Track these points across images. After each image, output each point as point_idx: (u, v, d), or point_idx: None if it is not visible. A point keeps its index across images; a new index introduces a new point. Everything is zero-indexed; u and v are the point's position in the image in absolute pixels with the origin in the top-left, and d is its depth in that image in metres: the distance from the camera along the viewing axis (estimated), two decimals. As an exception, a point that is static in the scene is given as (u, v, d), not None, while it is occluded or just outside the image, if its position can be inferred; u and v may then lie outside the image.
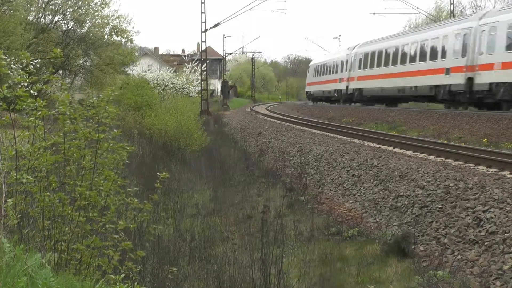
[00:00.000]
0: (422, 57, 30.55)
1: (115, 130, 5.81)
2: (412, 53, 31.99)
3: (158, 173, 6.00)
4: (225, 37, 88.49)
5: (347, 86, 41.79)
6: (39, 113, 5.34)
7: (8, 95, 5.07)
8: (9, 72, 5.56)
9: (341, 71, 43.29)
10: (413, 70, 31.14)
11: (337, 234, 11.20)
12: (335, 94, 44.90)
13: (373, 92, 37.50)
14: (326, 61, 49.65)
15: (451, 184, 11.13)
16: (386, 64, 35.01)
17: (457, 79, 26.35)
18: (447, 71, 27.36)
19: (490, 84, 24.00)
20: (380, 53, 36.27)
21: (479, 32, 25.00)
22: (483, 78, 24.45)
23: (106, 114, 5.59)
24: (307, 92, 58.01)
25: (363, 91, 39.01)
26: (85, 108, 5.67)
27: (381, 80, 35.45)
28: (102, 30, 28.65)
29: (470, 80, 25.39)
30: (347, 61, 42.30)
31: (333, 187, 15.32)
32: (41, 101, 5.35)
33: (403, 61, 32.85)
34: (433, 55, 29.35)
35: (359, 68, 39.65)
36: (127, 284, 4.56)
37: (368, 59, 38.16)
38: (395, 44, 34.52)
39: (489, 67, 23.98)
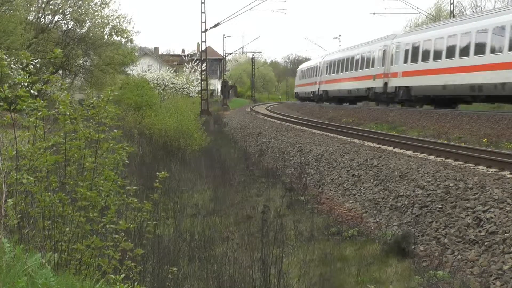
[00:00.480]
0: (361, 66, 38.60)
1: (115, 130, 5.81)
2: (355, 63, 39.85)
3: (157, 173, 6.00)
4: (225, 37, 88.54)
5: (318, 88, 49.62)
6: (39, 113, 5.34)
7: (9, 95, 5.07)
8: (10, 72, 5.56)
9: (315, 75, 51.37)
10: (356, 76, 39.22)
11: (337, 234, 11.20)
12: (311, 95, 52.85)
13: (334, 93, 45.38)
14: (308, 67, 58.04)
15: (451, 184, 11.13)
16: (341, 70, 42.99)
17: (379, 84, 34.53)
18: (374, 77, 35.45)
19: (396, 87, 32.30)
20: (338, 61, 44.32)
21: (391, 49, 33.39)
22: (392, 83, 32.80)
23: (106, 114, 5.59)
24: (296, 92, 67.15)
25: (328, 92, 46.97)
26: (84, 108, 5.67)
27: (337, 83, 43.84)
28: (102, 30, 28.66)
29: (386, 84, 33.59)
30: (319, 67, 50.07)
31: (333, 187, 15.32)
32: (42, 101, 5.35)
33: (351, 69, 40.81)
34: (367, 65, 37.42)
35: (325, 73, 47.64)
36: (127, 284, 4.56)
37: (331, 66, 46.16)
38: (347, 55, 42.56)
39: (395, 75, 32.56)
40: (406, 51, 31.13)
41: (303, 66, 63.98)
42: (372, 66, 36.29)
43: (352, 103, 42.61)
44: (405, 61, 31.27)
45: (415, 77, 29.86)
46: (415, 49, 30.05)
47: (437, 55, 27.45)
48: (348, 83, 40.98)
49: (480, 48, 23.83)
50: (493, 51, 23.05)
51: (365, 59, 37.88)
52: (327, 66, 47.22)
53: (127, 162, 5.93)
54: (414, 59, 30.14)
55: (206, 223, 11.40)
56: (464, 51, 25.03)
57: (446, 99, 28.14)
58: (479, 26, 24.16)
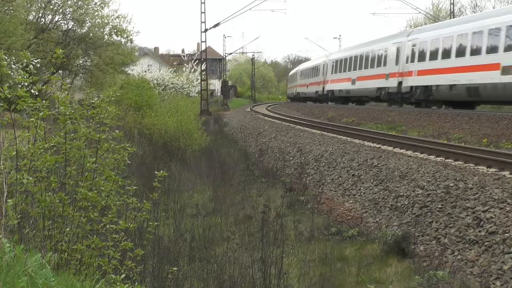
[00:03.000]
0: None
1: (117, 131, 5.81)
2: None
3: (155, 172, 6.00)
4: (225, 37, 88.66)
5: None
6: (41, 114, 5.34)
7: (9, 96, 5.07)
8: (10, 72, 5.55)
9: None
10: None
11: (337, 234, 11.21)
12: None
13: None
14: (310, 66, 57.42)
15: (451, 184, 11.14)
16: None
17: (392, 83, 33.21)
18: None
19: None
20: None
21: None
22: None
23: (106, 115, 5.59)
24: (292, 93, 67.26)
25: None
26: (84, 108, 5.67)
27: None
28: (102, 30, 28.65)
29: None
30: (323, 66, 49.28)
31: (333, 187, 15.32)
32: (43, 102, 5.35)
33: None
34: (379, 63, 35.86)
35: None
36: (127, 284, 4.57)
37: (337, 65, 44.99)
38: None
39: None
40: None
41: (303, 66, 63.28)
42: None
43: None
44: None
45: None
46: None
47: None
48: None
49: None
50: None
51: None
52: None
53: (129, 162, 5.93)
54: (433, 57, 28.35)
55: (206, 223, 11.40)
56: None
57: (468, 99, 26.53)
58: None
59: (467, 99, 26.26)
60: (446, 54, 27.05)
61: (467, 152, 14.92)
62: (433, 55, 28.32)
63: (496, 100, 25.40)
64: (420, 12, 56.82)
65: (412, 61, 30.55)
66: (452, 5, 44.88)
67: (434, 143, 17.96)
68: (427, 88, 28.96)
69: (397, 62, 32.52)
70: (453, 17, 42.73)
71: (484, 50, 24.11)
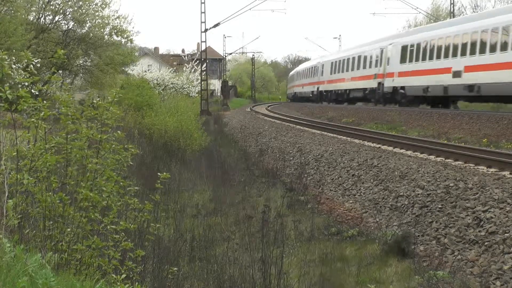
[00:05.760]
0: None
1: (118, 131, 5.82)
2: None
3: (158, 174, 6.01)
4: (225, 37, 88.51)
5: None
6: (42, 114, 5.34)
7: (10, 96, 5.06)
8: (10, 72, 5.55)
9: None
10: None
11: (337, 234, 11.21)
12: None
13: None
14: (306, 67, 60.55)
15: (451, 184, 11.14)
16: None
17: (374, 84, 36.43)
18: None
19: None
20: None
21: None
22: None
23: (109, 115, 5.59)
24: (291, 93, 69.94)
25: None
26: (87, 109, 5.67)
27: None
28: (102, 30, 28.66)
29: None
30: (318, 67, 52.22)
31: (333, 187, 15.32)
32: (44, 102, 5.35)
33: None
34: (364, 65, 38.79)
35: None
36: (127, 284, 4.57)
37: (330, 66, 47.67)
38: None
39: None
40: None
41: (300, 67, 66.16)
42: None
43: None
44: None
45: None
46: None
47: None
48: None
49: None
50: None
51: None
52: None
53: (131, 163, 5.93)
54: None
55: (207, 223, 11.41)
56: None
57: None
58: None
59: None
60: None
61: (467, 152, 14.92)
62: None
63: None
64: (419, 12, 56.83)
65: (393, 63, 33.93)
66: (452, 5, 44.86)
67: (434, 143, 17.96)
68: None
69: (380, 65, 36.09)
70: (453, 17, 42.71)
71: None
